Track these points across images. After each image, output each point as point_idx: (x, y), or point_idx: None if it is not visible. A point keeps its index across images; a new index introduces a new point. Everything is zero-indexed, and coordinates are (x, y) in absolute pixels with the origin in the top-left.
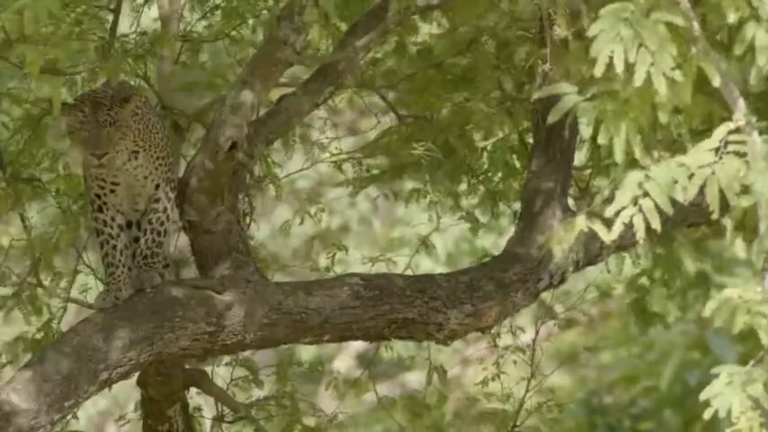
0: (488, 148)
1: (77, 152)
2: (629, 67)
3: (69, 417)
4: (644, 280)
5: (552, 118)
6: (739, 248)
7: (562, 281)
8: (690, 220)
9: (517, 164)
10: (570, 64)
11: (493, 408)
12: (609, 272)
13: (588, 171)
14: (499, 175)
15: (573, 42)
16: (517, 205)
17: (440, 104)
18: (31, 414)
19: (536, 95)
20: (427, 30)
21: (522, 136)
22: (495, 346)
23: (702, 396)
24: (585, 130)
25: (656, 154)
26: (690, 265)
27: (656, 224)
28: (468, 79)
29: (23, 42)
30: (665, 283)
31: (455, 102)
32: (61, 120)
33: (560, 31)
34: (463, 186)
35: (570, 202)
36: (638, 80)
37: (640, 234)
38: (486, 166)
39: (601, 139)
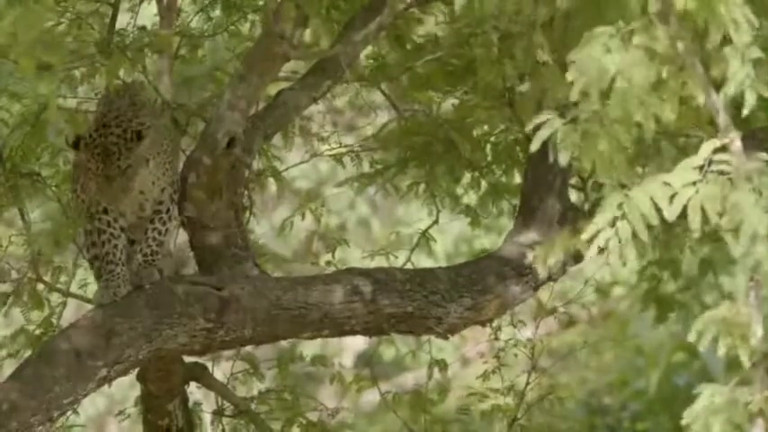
0: (492, 140)
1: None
2: (605, 95)
3: (69, 413)
4: (653, 270)
5: (533, 147)
6: (735, 249)
7: (562, 273)
8: None
9: (521, 155)
10: (548, 85)
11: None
12: (608, 264)
13: None
14: (502, 167)
15: (551, 66)
16: (518, 200)
17: (441, 98)
18: (31, 411)
19: (528, 127)
20: (430, 21)
21: (524, 128)
22: (496, 339)
23: (684, 419)
24: (564, 156)
25: (639, 170)
26: (691, 260)
27: (632, 254)
28: (471, 71)
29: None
30: (672, 270)
31: (456, 95)
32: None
33: (544, 55)
34: (465, 181)
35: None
36: (614, 110)
37: (613, 258)
38: (489, 159)
39: (584, 162)
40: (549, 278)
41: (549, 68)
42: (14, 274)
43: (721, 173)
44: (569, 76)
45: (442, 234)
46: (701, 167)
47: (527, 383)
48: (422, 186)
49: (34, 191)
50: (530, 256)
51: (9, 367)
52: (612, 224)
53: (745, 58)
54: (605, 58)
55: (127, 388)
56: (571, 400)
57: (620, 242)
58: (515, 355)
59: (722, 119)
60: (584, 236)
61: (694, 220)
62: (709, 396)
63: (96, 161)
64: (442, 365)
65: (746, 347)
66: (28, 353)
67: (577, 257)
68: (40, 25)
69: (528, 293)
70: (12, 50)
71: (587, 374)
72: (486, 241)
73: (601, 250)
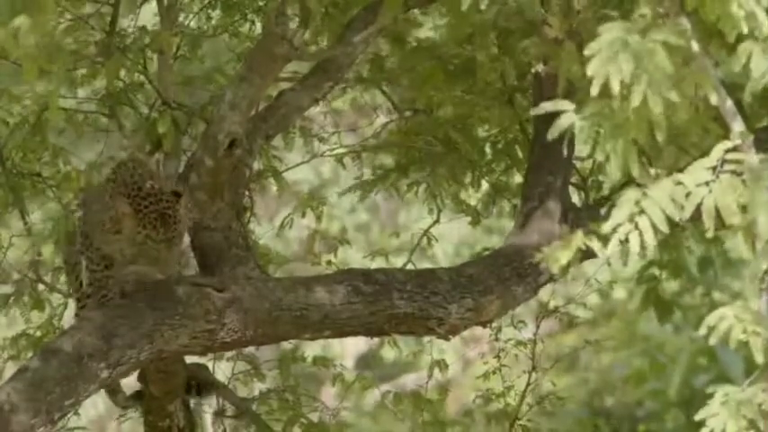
0: (491, 139)
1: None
2: (626, 89)
3: (71, 415)
4: (653, 270)
5: (551, 135)
6: (744, 249)
7: (564, 274)
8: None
9: (520, 155)
10: (562, 64)
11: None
12: (610, 265)
13: (590, 162)
14: (502, 166)
15: (566, 42)
16: (518, 200)
17: (440, 98)
18: (32, 413)
19: (534, 112)
20: (428, 21)
21: (525, 127)
22: (497, 339)
23: (698, 416)
24: (583, 149)
25: (653, 171)
26: (691, 255)
27: (652, 241)
28: (470, 70)
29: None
30: (673, 270)
31: (456, 95)
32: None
33: (551, 31)
34: (466, 180)
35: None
36: (636, 100)
37: (635, 250)
38: (489, 157)
39: (598, 157)
40: (551, 278)
41: (565, 48)
42: (15, 275)
43: (734, 173)
44: (589, 71)
45: (443, 238)
46: (714, 168)
47: (527, 384)
48: (422, 187)
49: (35, 192)
50: (537, 256)
51: (10, 369)
52: (631, 219)
53: (766, 50)
54: (623, 51)
55: (127, 387)
56: (572, 402)
57: (640, 235)
58: (516, 356)
59: (735, 120)
60: (605, 229)
61: (709, 220)
62: (723, 395)
63: (156, 228)
64: (443, 366)
65: (759, 343)
66: (29, 354)
67: (582, 257)
68: (43, 30)
69: (529, 294)
70: (13, 53)
71: (589, 376)
72: (488, 245)
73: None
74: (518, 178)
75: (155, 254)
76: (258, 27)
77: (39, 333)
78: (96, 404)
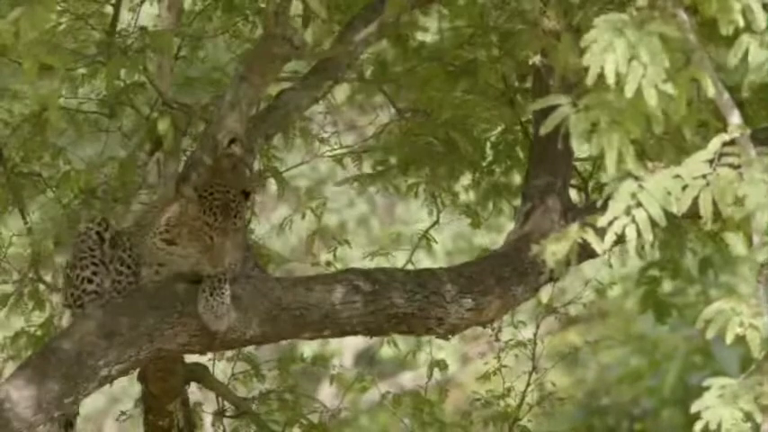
0: (492, 140)
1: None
2: (622, 79)
3: None
4: (653, 271)
5: (544, 130)
6: (741, 246)
7: (564, 273)
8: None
9: (521, 155)
10: (561, 56)
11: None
12: (611, 266)
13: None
14: (503, 166)
15: (564, 35)
16: (518, 200)
17: (441, 98)
18: (32, 410)
19: (533, 107)
20: (427, 22)
21: (526, 127)
22: (497, 340)
23: (693, 408)
24: (577, 144)
25: (650, 165)
26: (694, 257)
27: (649, 235)
28: (470, 71)
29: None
30: (672, 271)
31: (456, 95)
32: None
33: (549, 23)
34: (466, 180)
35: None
36: (629, 92)
37: (632, 245)
38: (489, 159)
39: (592, 151)
40: (550, 278)
41: (563, 39)
42: (15, 275)
43: (731, 166)
44: (584, 62)
45: (440, 231)
46: (711, 161)
47: (527, 384)
48: (422, 187)
49: (35, 191)
50: (534, 249)
51: (10, 369)
52: (627, 212)
53: (763, 43)
54: (619, 41)
55: (126, 385)
56: (570, 401)
57: (637, 229)
58: (516, 356)
59: (732, 113)
60: (601, 222)
61: (706, 212)
62: (719, 387)
63: (216, 216)
64: (442, 366)
65: (756, 337)
66: (29, 353)
67: (581, 255)
68: (43, 25)
69: (529, 294)
70: (14, 50)
71: (586, 375)
72: (486, 239)
73: (615, 243)
74: (518, 178)
75: (208, 241)
76: (259, 28)
77: (39, 332)
78: (95, 400)
